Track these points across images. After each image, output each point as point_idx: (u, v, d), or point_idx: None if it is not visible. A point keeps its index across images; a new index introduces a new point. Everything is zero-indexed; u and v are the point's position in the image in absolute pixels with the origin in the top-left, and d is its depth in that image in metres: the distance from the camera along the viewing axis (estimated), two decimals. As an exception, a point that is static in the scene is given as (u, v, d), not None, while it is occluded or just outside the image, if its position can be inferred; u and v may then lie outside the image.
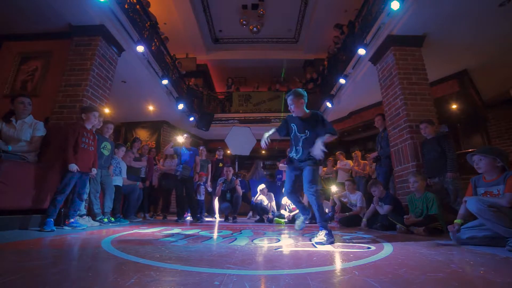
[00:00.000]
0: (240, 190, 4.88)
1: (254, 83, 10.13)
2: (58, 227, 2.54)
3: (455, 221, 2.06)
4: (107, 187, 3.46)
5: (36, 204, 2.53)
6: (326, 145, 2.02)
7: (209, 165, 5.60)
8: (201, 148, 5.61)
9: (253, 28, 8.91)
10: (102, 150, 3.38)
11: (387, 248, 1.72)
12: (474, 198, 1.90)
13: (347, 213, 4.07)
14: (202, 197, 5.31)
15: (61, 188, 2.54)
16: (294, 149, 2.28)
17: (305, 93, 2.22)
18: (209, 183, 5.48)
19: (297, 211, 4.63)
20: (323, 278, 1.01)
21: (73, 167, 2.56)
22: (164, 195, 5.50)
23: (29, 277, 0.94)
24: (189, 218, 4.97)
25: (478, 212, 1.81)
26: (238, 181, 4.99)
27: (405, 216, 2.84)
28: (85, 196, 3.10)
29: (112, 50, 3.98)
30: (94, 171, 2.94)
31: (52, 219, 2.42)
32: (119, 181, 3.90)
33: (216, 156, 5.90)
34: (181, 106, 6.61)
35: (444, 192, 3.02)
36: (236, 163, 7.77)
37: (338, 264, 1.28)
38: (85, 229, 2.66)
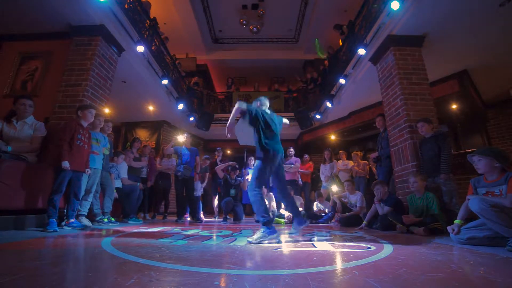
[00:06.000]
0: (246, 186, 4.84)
1: (254, 83, 10.14)
2: (58, 227, 2.53)
3: (455, 221, 2.06)
4: (107, 188, 3.48)
5: (36, 204, 2.53)
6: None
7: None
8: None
9: (253, 28, 8.90)
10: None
11: (387, 248, 1.72)
12: (477, 197, 1.89)
13: (347, 214, 4.08)
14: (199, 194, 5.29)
15: (56, 187, 2.48)
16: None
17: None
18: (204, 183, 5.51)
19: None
20: (323, 278, 1.01)
21: (66, 164, 2.47)
22: (162, 194, 5.47)
23: (29, 277, 0.93)
24: (189, 218, 4.97)
25: (480, 211, 1.80)
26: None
27: (403, 216, 2.84)
28: (91, 195, 3.09)
29: (112, 50, 3.98)
30: (89, 171, 2.90)
31: (54, 220, 2.40)
32: (117, 183, 3.94)
33: (216, 157, 5.86)
34: (181, 106, 6.60)
35: (439, 192, 2.99)
36: (245, 154, 7.76)
37: (338, 264, 1.28)
38: (84, 229, 2.67)
